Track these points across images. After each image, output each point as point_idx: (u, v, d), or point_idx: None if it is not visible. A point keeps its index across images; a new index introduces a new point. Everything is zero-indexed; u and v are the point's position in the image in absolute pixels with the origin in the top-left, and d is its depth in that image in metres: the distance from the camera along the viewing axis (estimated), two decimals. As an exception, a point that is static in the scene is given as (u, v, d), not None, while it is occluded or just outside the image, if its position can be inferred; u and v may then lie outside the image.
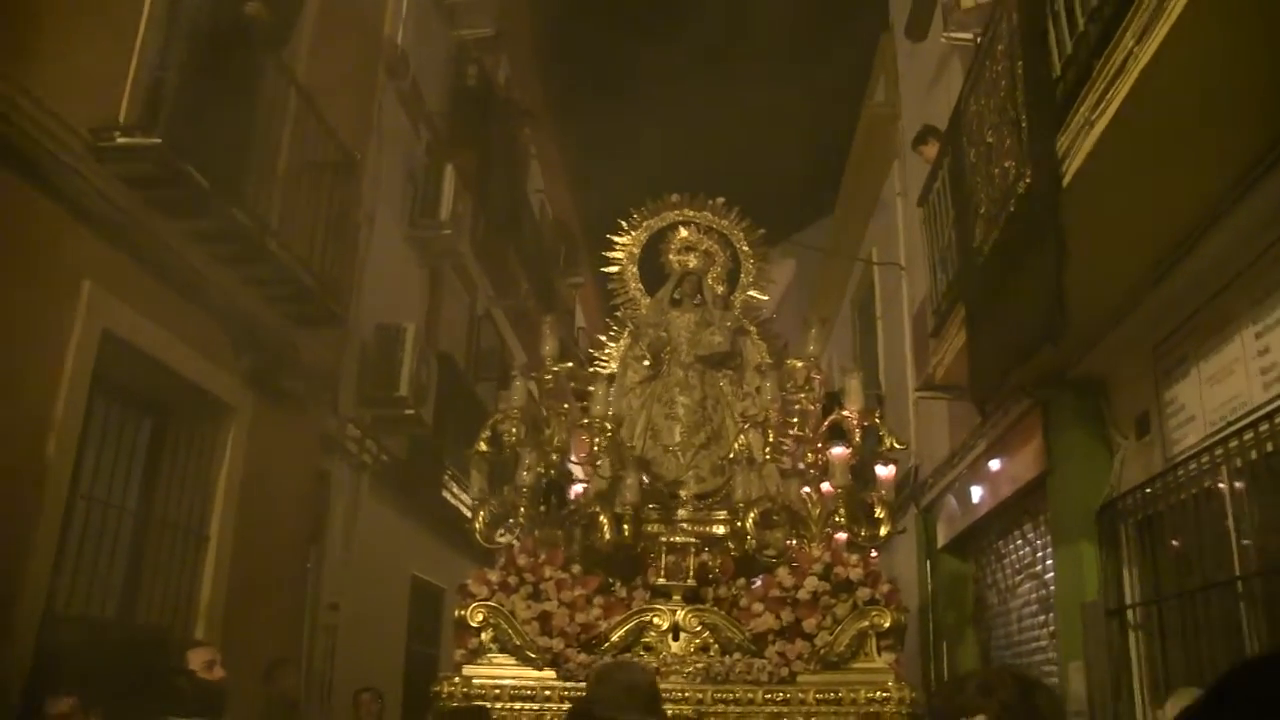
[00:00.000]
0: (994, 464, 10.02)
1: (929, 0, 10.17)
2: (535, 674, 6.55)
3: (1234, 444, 5.85)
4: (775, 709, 6.40)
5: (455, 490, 12.98)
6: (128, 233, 6.77)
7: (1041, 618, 9.41)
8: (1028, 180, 5.72)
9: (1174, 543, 6.78)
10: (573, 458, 8.14)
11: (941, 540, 12.25)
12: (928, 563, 12.58)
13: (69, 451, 6.24)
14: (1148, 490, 7.04)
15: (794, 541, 7.22)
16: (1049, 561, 8.89)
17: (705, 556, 7.12)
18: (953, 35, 9.41)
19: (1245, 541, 5.88)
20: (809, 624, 6.63)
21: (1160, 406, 6.90)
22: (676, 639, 6.74)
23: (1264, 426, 5.51)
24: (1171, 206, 5.64)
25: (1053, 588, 8.73)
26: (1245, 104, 4.73)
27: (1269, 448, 5.52)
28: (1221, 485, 6.09)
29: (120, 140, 6.42)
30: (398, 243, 12.10)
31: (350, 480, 10.59)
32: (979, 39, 8.27)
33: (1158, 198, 5.53)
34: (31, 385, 6.00)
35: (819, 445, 7.52)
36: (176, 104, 6.80)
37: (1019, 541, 10.06)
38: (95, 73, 6.60)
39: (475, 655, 6.69)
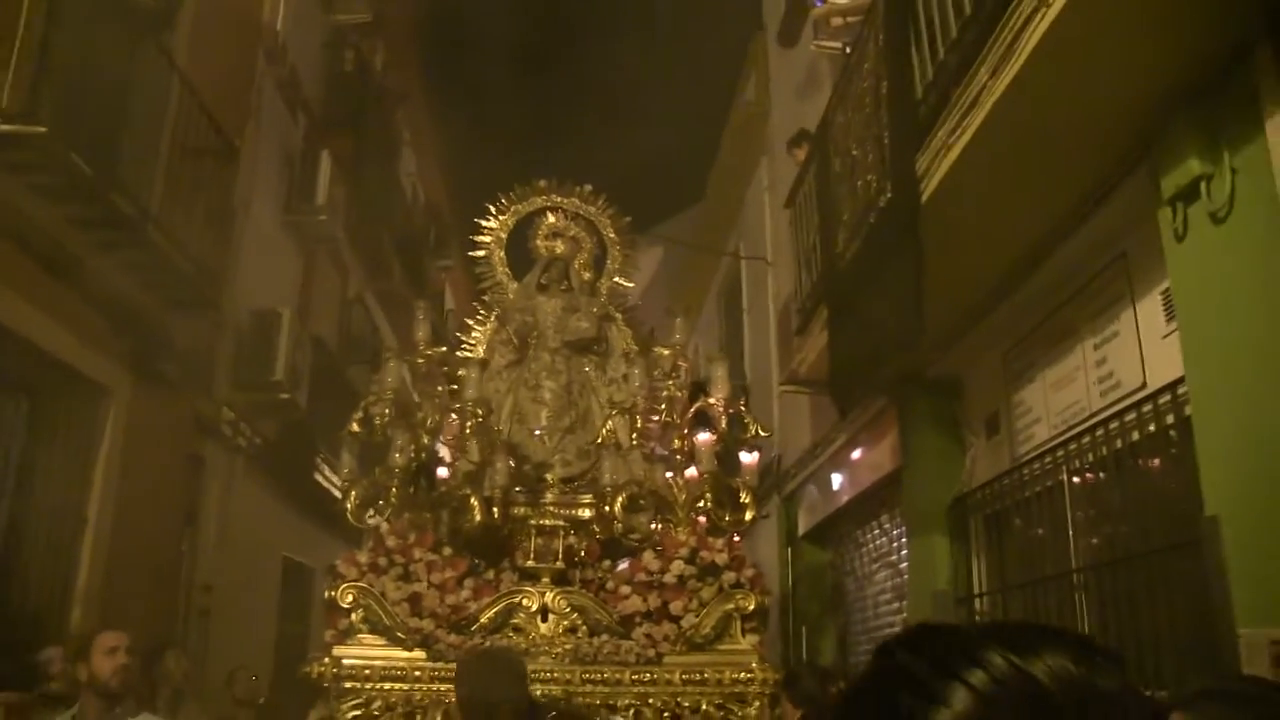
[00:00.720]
0: (853, 457, 10.46)
1: (800, 10, 10.50)
2: (405, 654, 6.61)
3: (1073, 446, 6.32)
4: (642, 689, 6.53)
5: (327, 472, 13.05)
6: (7, 218, 6.79)
7: (896, 604, 9.85)
8: (889, 195, 6.06)
9: (1024, 535, 7.22)
10: (442, 440, 8.02)
11: (802, 528, 12.67)
12: (789, 550, 12.99)
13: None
14: (996, 487, 7.50)
15: (660, 526, 7.35)
16: (904, 551, 9.33)
17: (572, 539, 7.23)
18: (822, 44, 9.72)
19: (1084, 539, 6.37)
20: (675, 607, 6.76)
21: (1009, 408, 7.33)
22: (545, 620, 6.82)
23: (1099, 431, 5.97)
24: (1021, 224, 6.01)
25: (906, 576, 9.19)
26: (1088, 135, 5.12)
27: (1104, 451, 5.99)
28: (1063, 481, 6.56)
29: (3, 128, 6.43)
30: (273, 228, 12.13)
31: (225, 463, 10.64)
32: (847, 48, 8.64)
33: (1009, 215, 5.90)
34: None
35: (685, 431, 7.62)
36: (60, 90, 6.81)
37: (876, 531, 10.51)
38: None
39: (345, 635, 6.72)
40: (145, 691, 7.14)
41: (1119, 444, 5.81)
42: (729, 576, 6.88)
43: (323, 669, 6.49)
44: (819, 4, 9.41)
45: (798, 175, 9.04)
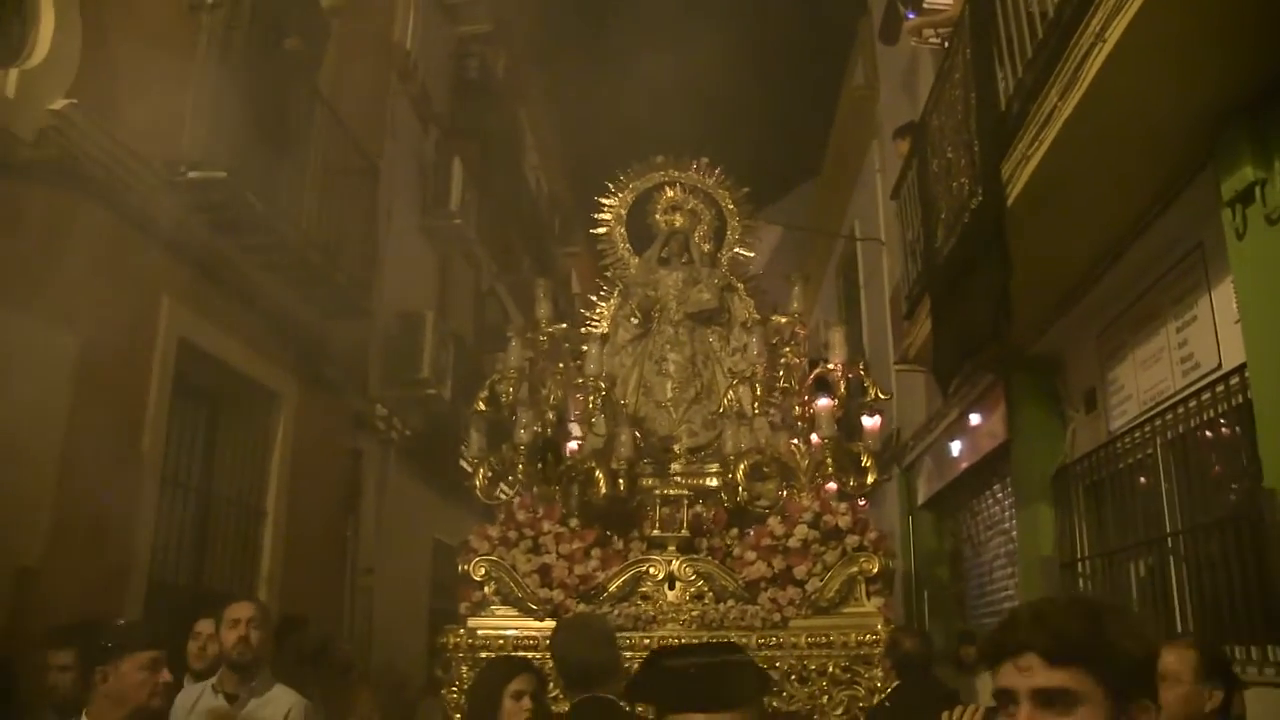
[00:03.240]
0: (966, 429, 10.97)
1: (898, 13, 10.94)
2: (537, 624, 6.70)
3: (1158, 422, 6.82)
4: (769, 653, 6.50)
5: (468, 458, 13.85)
6: (195, 251, 7.70)
7: (1009, 569, 10.36)
8: (979, 199, 6.61)
9: (1122, 504, 7.69)
10: (570, 415, 8.11)
11: (921, 498, 13.23)
12: (909, 519, 13.57)
13: (159, 444, 7.24)
14: (1095, 458, 8.00)
15: (784, 492, 7.32)
16: (1014, 519, 9.85)
17: (699, 508, 7.26)
18: (921, 42, 10.19)
19: (1176, 506, 6.86)
20: (799, 571, 6.77)
21: (1104, 385, 7.83)
22: (672, 588, 6.85)
23: (1181, 409, 6.49)
24: (1104, 217, 6.53)
25: (1017, 543, 9.70)
26: (1155, 142, 5.63)
27: (1190, 425, 6.49)
28: (1154, 454, 7.05)
29: (191, 175, 7.32)
30: (412, 234, 12.98)
31: (379, 455, 11.55)
32: (945, 43, 9.12)
33: (1092, 211, 6.41)
34: (128, 389, 6.99)
35: (805, 398, 7.63)
36: (231, 134, 7.69)
37: (990, 500, 11.02)
38: (160, 109, 7.45)
39: (479, 608, 6.86)
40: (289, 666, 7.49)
41: (1202, 419, 6.32)
42: (852, 540, 6.90)
43: (458, 639, 6.68)
44: (910, 16, 9.86)
45: (901, 169, 9.53)
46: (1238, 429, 5.84)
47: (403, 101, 12.69)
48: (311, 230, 9.05)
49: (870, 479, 7.37)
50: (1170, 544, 6.83)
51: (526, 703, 4.84)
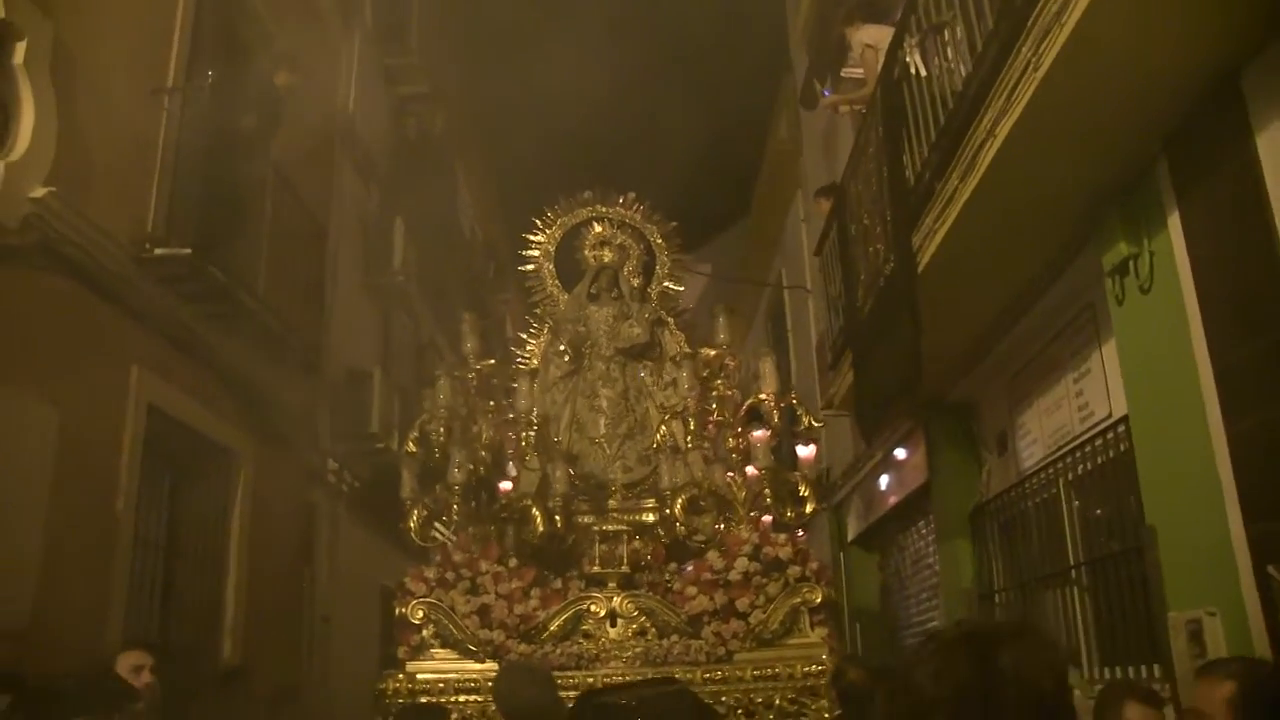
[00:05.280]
0: (891, 470, 11.59)
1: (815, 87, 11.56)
2: (477, 666, 6.74)
3: (1060, 465, 7.45)
4: (715, 688, 6.55)
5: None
6: (160, 321, 8.12)
7: (934, 601, 10.95)
8: (892, 266, 7.21)
9: (1032, 539, 8.27)
10: (504, 454, 8.04)
11: (851, 535, 13.84)
12: (840, 554, 14.16)
13: (131, 506, 7.64)
14: (1006, 497, 8.60)
15: (722, 525, 7.44)
16: (937, 554, 10.45)
17: (637, 544, 7.34)
18: (837, 115, 10.81)
19: (1079, 541, 7.49)
20: (742, 603, 6.86)
21: (1014, 429, 8.45)
22: (614, 625, 6.92)
23: (1078, 453, 7.12)
24: (1008, 280, 7.15)
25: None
26: (1049, 217, 6.26)
27: (1086, 467, 7.12)
28: (1058, 493, 7.67)
29: (158, 252, 7.77)
30: (357, 292, 13.41)
31: (330, 507, 11.96)
32: (863, 110, 9.71)
33: (997, 273, 7.02)
34: (101, 454, 7.40)
35: (739, 430, 7.76)
36: (192, 210, 8.15)
37: (914, 536, 11.62)
38: (127, 189, 7.91)
39: (418, 651, 6.89)
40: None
41: (1097, 461, 6.95)
42: (794, 571, 7.01)
43: (397, 685, 6.73)
44: (826, 94, 10.46)
45: (824, 229, 10.11)
46: (1127, 471, 6.45)
47: (346, 165, 13.16)
48: (267, 295, 9.47)
49: (809, 508, 7.51)
50: (1073, 575, 7.45)
51: None
